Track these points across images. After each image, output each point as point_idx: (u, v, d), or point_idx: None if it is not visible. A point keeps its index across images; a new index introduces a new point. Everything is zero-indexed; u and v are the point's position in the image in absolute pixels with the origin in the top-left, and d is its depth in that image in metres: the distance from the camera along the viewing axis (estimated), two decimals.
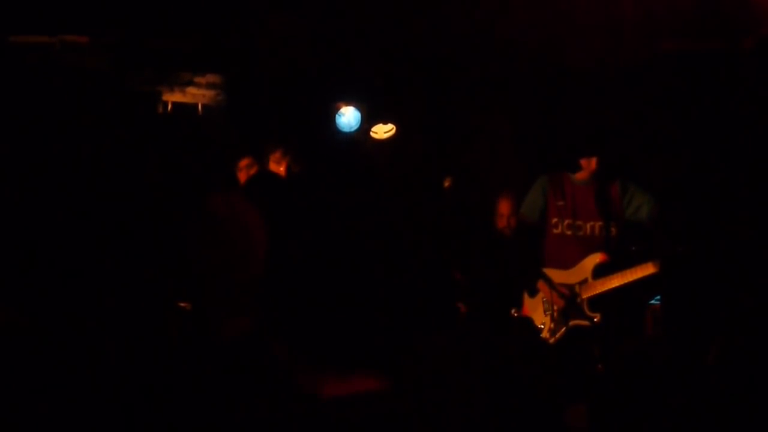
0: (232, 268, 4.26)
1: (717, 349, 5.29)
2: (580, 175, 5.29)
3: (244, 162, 5.68)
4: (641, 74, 6.17)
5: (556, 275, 5.18)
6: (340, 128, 6.41)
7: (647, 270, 4.94)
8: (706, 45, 6.13)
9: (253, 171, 5.59)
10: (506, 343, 5.34)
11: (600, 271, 5.10)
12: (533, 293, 5.37)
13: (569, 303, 5.08)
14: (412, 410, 4.49)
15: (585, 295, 5.10)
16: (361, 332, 6.14)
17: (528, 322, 5.37)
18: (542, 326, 5.24)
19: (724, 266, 5.69)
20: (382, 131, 6.50)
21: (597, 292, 5.07)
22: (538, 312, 5.30)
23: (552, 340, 5.17)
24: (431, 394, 4.86)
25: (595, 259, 5.12)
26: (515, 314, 5.48)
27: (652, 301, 5.83)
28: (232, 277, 4.18)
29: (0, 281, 4.46)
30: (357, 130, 6.43)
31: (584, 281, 5.13)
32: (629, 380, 4.92)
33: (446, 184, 5.41)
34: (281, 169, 5.65)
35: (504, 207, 5.94)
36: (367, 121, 6.44)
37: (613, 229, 5.18)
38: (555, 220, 5.27)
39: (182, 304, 4.83)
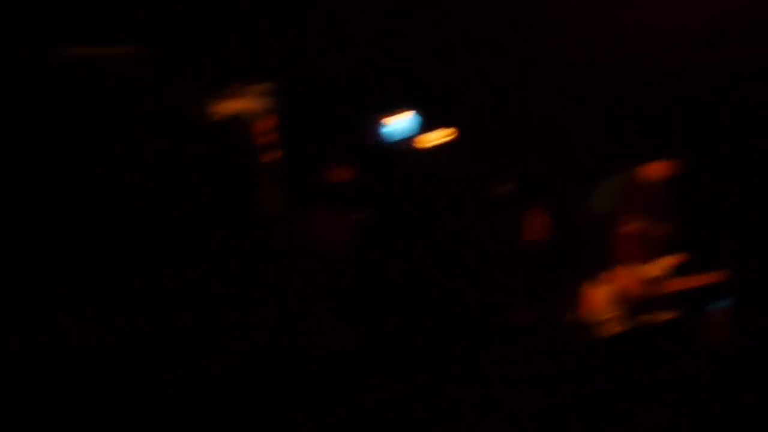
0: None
1: None
2: (655, 176, 5.31)
3: (333, 168, 5.68)
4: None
5: (628, 272, 5.19)
6: (394, 135, 6.41)
7: (723, 275, 4.98)
8: (746, 53, 6.18)
9: (341, 176, 5.60)
10: (567, 348, 5.35)
11: (678, 271, 5.14)
12: (600, 288, 5.36)
13: (642, 299, 5.10)
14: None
15: (660, 293, 5.11)
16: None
17: (587, 325, 5.37)
18: (610, 320, 5.23)
19: None
20: (438, 137, 6.49)
21: (674, 290, 5.10)
22: (606, 306, 5.29)
23: (619, 333, 5.17)
24: (497, 398, 4.85)
25: (674, 258, 5.16)
26: (570, 318, 5.48)
27: (718, 305, 5.83)
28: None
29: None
30: (412, 137, 6.43)
31: (661, 278, 5.15)
32: (700, 381, 4.92)
33: (505, 189, 5.42)
34: (342, 179, 5.66)
35: (537, 223, 5.91)
36: (424, 128, 6.44)
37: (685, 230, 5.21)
38: (628, 217, 5.27)
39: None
